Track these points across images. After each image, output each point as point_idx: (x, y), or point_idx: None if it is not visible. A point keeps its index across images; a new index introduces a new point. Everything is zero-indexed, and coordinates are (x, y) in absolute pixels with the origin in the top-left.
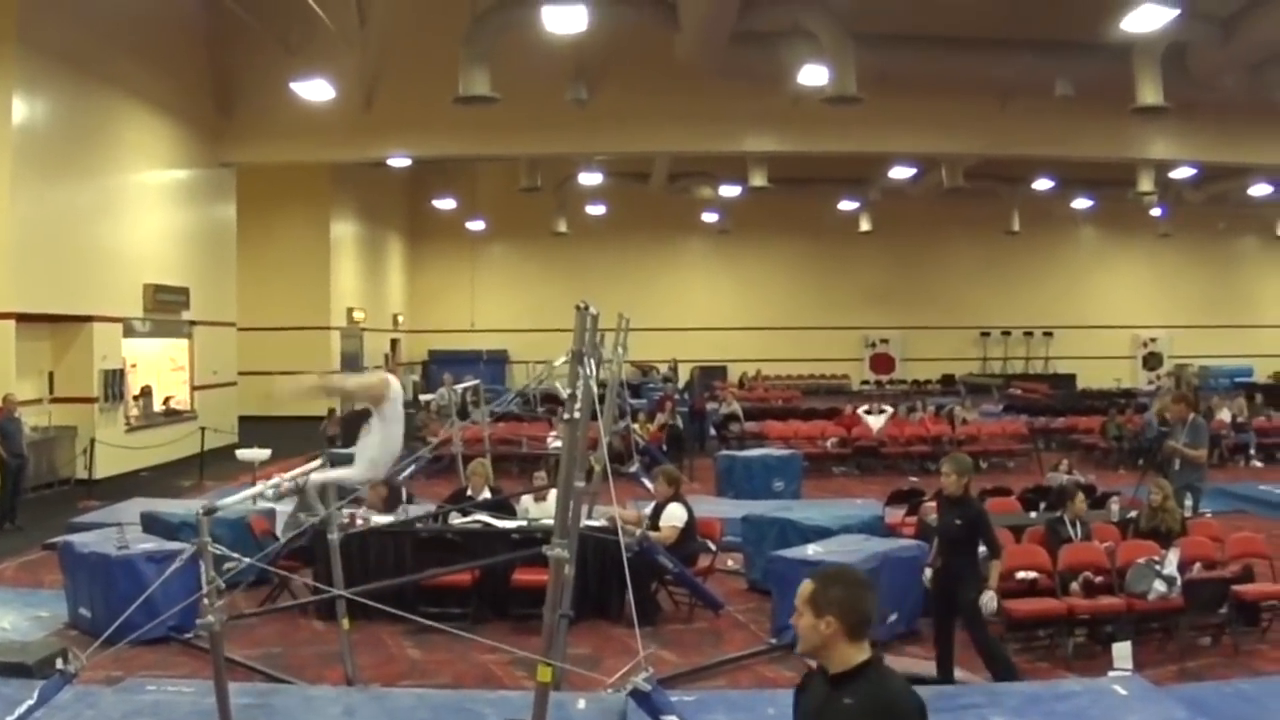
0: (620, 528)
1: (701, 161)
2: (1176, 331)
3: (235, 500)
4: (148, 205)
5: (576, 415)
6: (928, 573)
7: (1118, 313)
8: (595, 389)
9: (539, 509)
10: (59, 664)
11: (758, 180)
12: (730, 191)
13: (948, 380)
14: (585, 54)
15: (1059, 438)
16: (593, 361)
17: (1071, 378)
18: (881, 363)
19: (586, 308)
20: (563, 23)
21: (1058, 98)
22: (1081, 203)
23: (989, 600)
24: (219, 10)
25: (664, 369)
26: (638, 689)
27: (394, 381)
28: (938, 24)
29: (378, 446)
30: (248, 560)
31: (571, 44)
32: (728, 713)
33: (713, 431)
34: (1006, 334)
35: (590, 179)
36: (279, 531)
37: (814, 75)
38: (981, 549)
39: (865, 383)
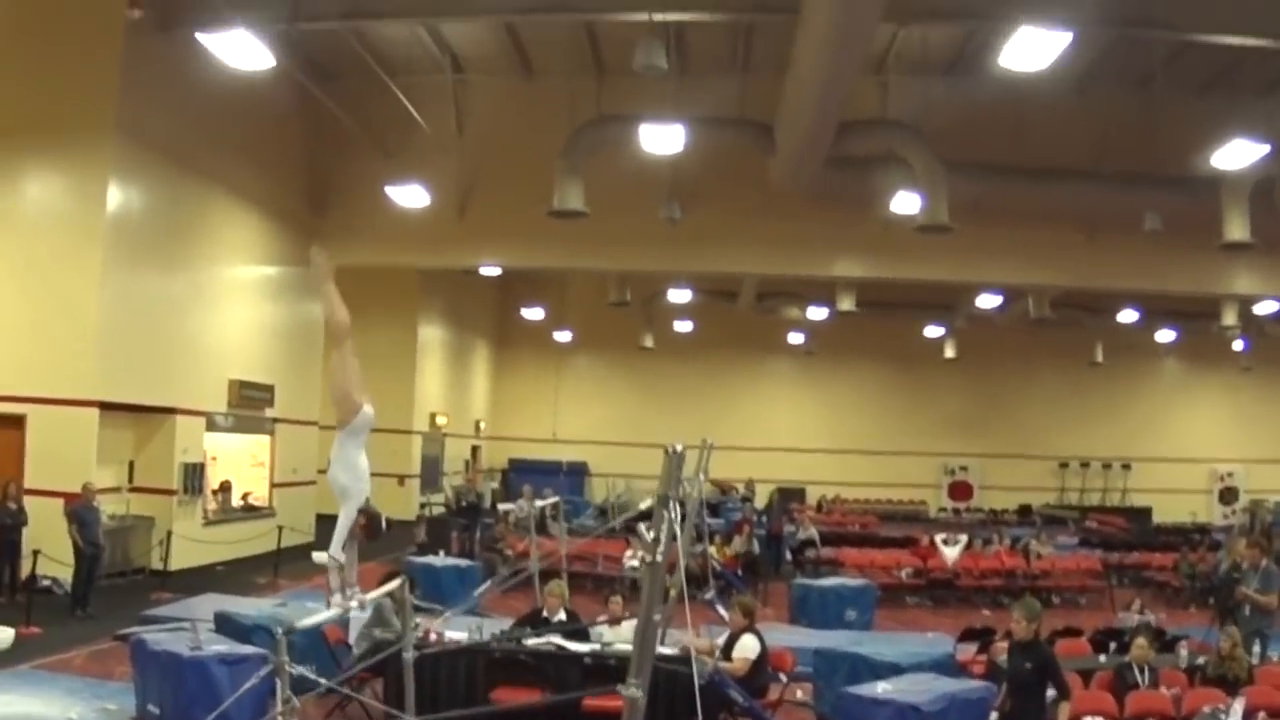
0: (694, 656)
1: (790, 282)
2: (1254, 466)
3: (314, 622)
4: (236, 300)
5: (659, 559)
6: (994, 716)
7: (1196, 446)
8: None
9: (613, 633)
10: None
11: (845, 304)
12: (817, 314)
13: (1025, 510)
14: (680, 172)
15: (1132, 573)
16: (677, 506)
17: (1148, 511)
18: (960, 490)
19: (676, 450)
20: (660, 142)
21: (1146, 232)
22: (1165, 335)
23: None
24: (317, 109)
25: (742, 489)
26: None
27: (368, 410)
28: (1029, 155)
29: (364, 468)
30: (324, 683)
31: (667, 162)
32: None
33: (788, 555)
34: (1085, 465)
35: (679, 296)
36: (352, 639)
37: (906, 202)
38: (1051, 691)
39: (943, 509)
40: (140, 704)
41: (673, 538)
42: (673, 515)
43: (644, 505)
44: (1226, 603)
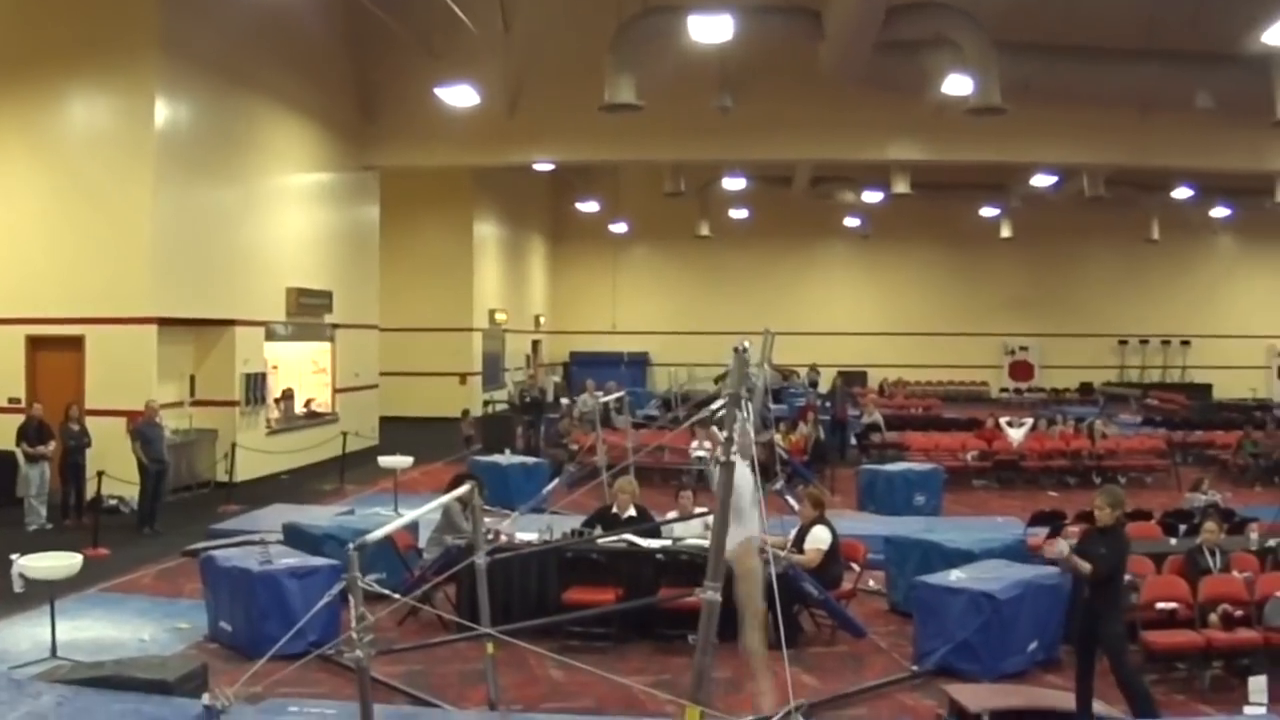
0: (771, 551)
1: (844, 167)
2: None
3: (383, 534)
4: (291, 209)
5: (734, 459)
6: (1062, 544)
7: (1254, 322)
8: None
9: (684, 527)
10: (205, 699)
11: (900, 187)
12: (872, 197)
13: (1086, 388)
14: (730, 62)
15: (1196, 451)
16: (749, 405)
17: (1208, 388)
18: (1020, 370)
19: (744, 350)
20: (709, 32)
21: (1198, 109)
22: (1220, 211)
23: (1062, 547)
24: (363, 15)
25: (805, 374)
26: None
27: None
28: (1080, 35)
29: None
30: (398, 598)
31: (717, 52)
32: None
33: (854, 441)
34: (1144, 342)
35: (733, 184)
36: (422, 544)
37: (958, 85)
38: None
39: (1004, 390)
40: (212, 621)
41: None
42: (744, 414)
43: (714, 407)
44: None
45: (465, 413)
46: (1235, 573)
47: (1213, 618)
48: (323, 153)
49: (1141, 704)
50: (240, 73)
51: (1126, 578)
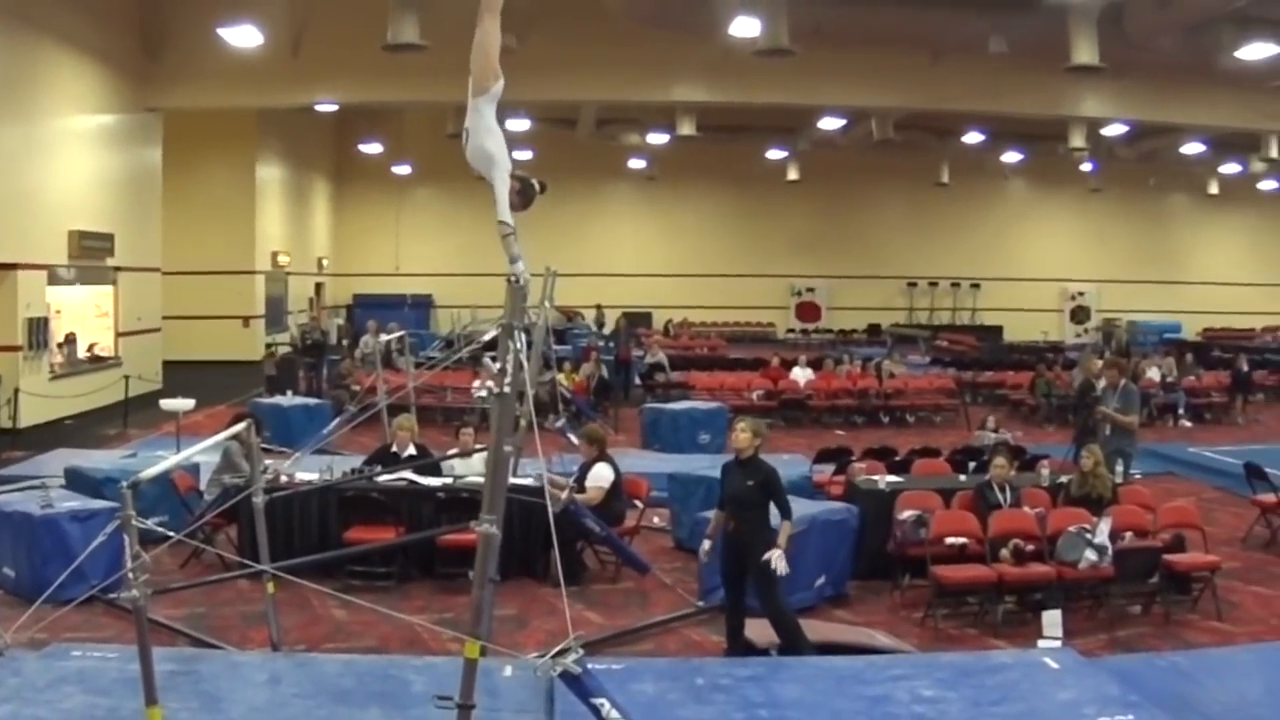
0: (548, 489)
1: (629, 108)
2: (1105, 286)
3: (157, 471)
4: (72, 151)
5: (507, 389)
6: (706, 544)
7: (1046, 266)
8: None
9: (464, 465)
10: None
11: (686, 129)
12: (658, 139)
13: (874, 330)
14: (517, 1)
15: (986, 392)
16: (522, 335)
17: (998, 330)
18: (807, 311)
19: (517, 280)
20: None
21: (991, 54)
22: (1012, 156)
23: (778, 559)
24: None
25: (591, 315)
26: (568, 671)
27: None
28: None
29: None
30: (173, 535)
31: None
32: (656, 681)
33: (638, 381)
34: (934, 285)
35: (518, 125)
36: (203, 487)
37: (746, 27)
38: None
39: (791, 331)
40: None
41: (519, 367)
42: (518, 345)
43: (488, 336)
44: (1087, 421)
45: (270, 354)
46: (1026, 508)
47: (1004, 553)
48: (105, 93)
49: (790, 637)
50: (20, 11)
51: (916, 513)
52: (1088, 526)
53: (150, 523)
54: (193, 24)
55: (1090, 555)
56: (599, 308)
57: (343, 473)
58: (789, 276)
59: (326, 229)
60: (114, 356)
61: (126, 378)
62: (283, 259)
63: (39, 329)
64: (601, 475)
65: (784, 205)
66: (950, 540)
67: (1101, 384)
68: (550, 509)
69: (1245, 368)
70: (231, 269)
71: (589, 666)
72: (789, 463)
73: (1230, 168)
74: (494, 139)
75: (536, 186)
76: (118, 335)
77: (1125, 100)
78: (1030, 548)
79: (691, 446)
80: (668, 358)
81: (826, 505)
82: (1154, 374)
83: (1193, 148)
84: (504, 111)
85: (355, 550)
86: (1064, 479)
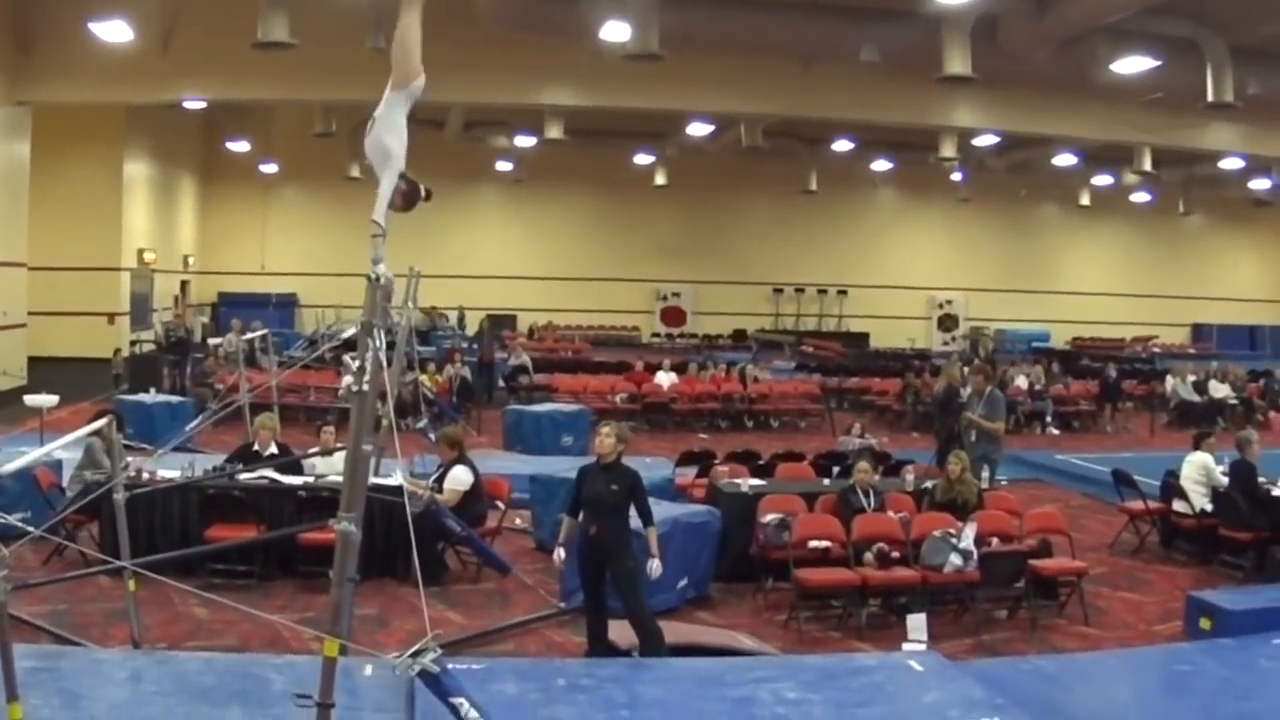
0: (406, 491)
1: (497, 111)
2: (974, 294)
3: (19, 466)
4: None
5: (365, 388)
6: (560, 553)
7: (914, 274)
8: (384, 357)
9: (326, 464)
10: None
11: (553, 132)
12: (526, 142)
13: (739, 335)
14: (385, 2)
15: (852, 398)
16: (382, 333)
17: (865, 337)
18: (672, 315)
19: (378, 279)
20: None
21: (862, 63)
22: (881, 165)
23: (655, 568)
24: None
25: (454, 317)
26: (426, 670)
27: (423, 79)
28: None
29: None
30: (34, 531)
31: None
32: (517, 682)
33: (501, 383)
34: (800, 291)
35: None
36: (65, 483)
37: (616, 31)
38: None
39: (656, 335)
40: None
41: (379, 366)
42: (378, 343)
43: (347, 334)
44: (952, 428)
45: (117, 351)
46: (890, 513)
47: (868, 556)
48: None
49: (649, 641)
50: None
51: (779, 516)
52: (953, 531)
53: (12, 518)
54: (64, 18)
55: (955, 560)
56: (461, 309)
57: (204, 470)
58: (655, 281)
59: (193, 227)
60: None
61: None
62: (149, 256)
63: None
64: (459, 478)
65: (651, 210)
66: (813, 544)
67: (968, 390)
68: (409, 509)
69: (1114, 376)
70: (98, 265)
71: (448, 666)
72: (652, 466)
73: (1102, 179)
74: (397, 136)
75: (424, 192)
76: None
77: (997, 111)
78: (895, 553)
79: (554, 449)
80: (531, 360)
81: (689, 508)
82: (1021, 382)
83: (1065, 159)
84: (371, 110)
85: (216, 548)
86: (929, 484)
